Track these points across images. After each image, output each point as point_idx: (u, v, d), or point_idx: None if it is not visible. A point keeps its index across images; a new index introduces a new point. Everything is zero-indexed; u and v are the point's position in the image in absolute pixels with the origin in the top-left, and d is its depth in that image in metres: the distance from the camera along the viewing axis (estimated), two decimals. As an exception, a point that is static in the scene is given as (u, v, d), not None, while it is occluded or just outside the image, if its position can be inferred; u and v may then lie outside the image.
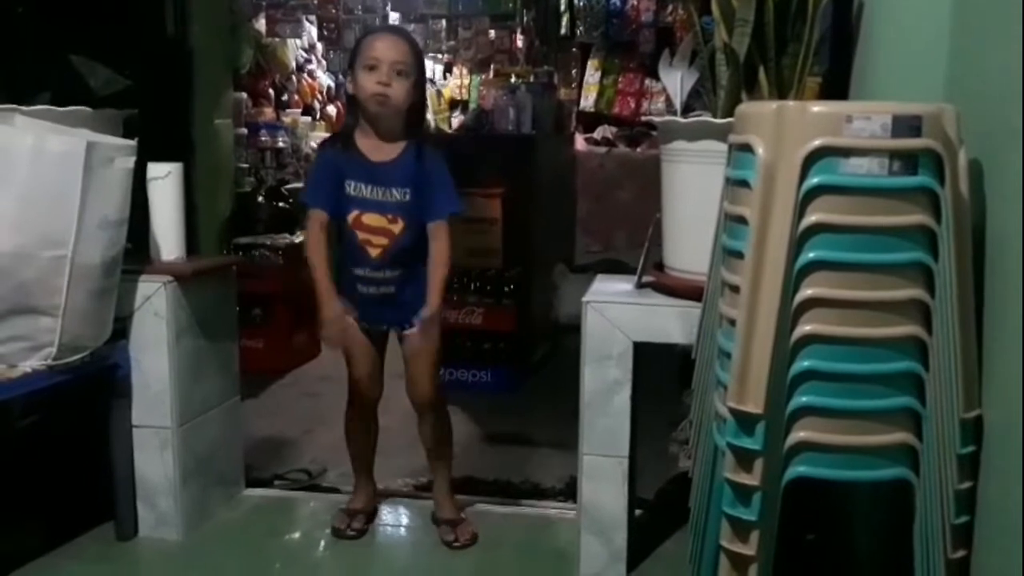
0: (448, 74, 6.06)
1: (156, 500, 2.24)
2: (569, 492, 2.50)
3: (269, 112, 5.05)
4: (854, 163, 1.28)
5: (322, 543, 2.29)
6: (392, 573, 2.25)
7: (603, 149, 4.95)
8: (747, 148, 1.35)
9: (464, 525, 2.28)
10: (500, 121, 3.97)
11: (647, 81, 5.17)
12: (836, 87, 2.06)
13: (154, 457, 2.22)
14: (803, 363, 1.31)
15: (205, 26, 3.21)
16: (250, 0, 4.73)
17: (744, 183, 1.35)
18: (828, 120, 1.29)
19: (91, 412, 2.20)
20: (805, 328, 1.31)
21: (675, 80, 2.07)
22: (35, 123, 1.98)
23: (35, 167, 1.84)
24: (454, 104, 5.74)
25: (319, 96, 5.70)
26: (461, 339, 3.52)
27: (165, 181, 2.23)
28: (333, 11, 5.51)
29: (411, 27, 4.98)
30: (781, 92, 1.79)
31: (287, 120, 5.24)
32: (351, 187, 2.12)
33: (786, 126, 1.30)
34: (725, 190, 1.48)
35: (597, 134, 5.12)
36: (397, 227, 2.12)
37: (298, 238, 3.98)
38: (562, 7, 5.25)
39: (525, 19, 5.28)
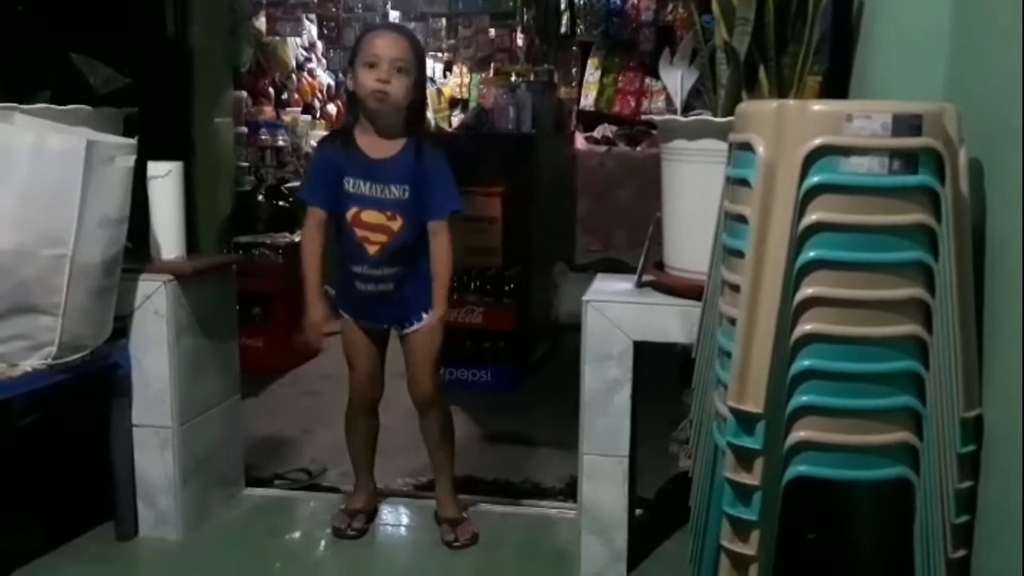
0: (448, 73, 6.06)
1: (156, 500, 2.24)
2: (569, 492, 2.50)
3: (269, 111, 5.04)
4: (854, 162, 1.27)
5: (322, 543, 2.29)
6: (392, 573, 2.25)
7: (603, 148, 4.95)
8: (747, 147, 1.35)
9: (465, 525, 2.28)
10: (500, 120, 3.97)
11: (647, 80, 5.18)
12: (836, 86, 2.06)
13: (154, 456, 2.22)
14: (803, 362, 1.31)
15: (205, 25, 3.21)
16: (250, -1, 4.73)
17: (744, 182, 1.35)
18: (828, 119, 1.28)
19: (91, 411, 2.20)
20: (805, 327, 1.31)
21: (675, 79, 2.07)
22: (35, 121, 1.98)
23: (35, 165, 1.84)
24: (454, 103, 5.74)
25: (319, 95, 5.69)
26: (461, 338, 3.52)
27: (165, 180, 2.23)
28: (333, 10, 5.51)
29: (411, 25, 4.98)
30: (781, 91, 1.79)
31: (287, 119, 5.23)
32: (350, 184, 2.12)
33: (786, 125, 1.30)
34: (725, 189, 1.48)
35: (597, 133, 5.12)
36: (396, 224, 2.12)
37: (298, 237, 3.95)
38: (562, 6, 5.25)
39: (525, 18, 5.28)
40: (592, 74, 5.32)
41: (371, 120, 2.12)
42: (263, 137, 4.92)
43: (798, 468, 1.33)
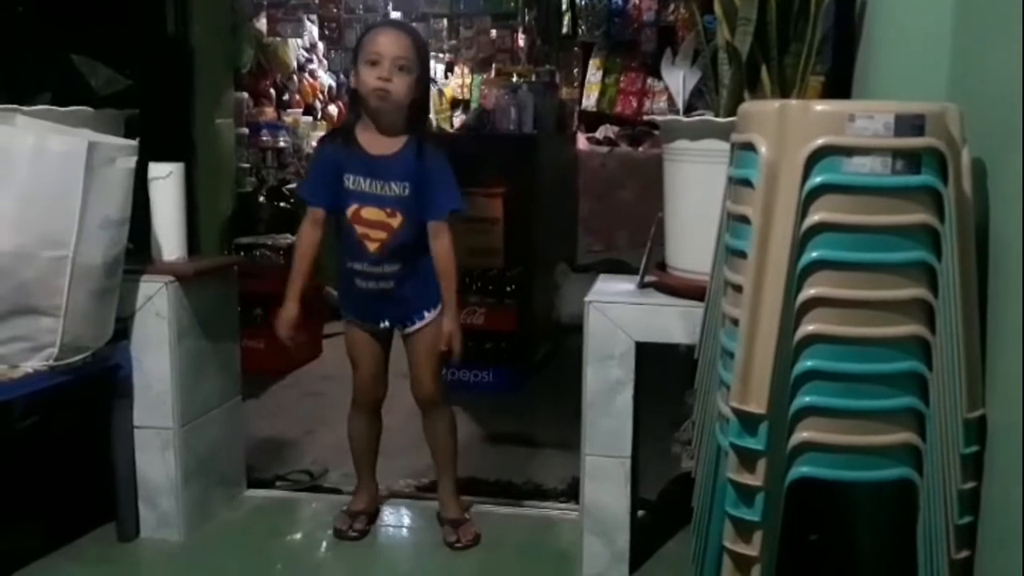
0: (450, 73, 6.06)
1: (157, 501, 2.24)
2: (571, 493, 2.50)
3: (270, 112, 5.05)
4: (857, 162, 1.27)
5: (324, 544, 2.29)
6: (394, 574, 2.25)
7: (605, 148, 4.95)
8: (750, 147, 1.35)
9: (467, 526, 2.27)
10: (502, 120, 3.97)
11: (649, 80, 5.17)
12: (839, 86, 2.06)
13: (155, 458, 2.22)
14: (806, 363, 1.31)
15: (206, 26, 3.21)
16: (251, 0, 4.73)
17: (747, 182, 1.35)
18: (831, 119, 1.28)
19: (92, 413, 2.20)
20: (808, 328, 1.31)
21: (677, 79, 2.07)
22: (36, 123, 1.98)
23: (36, 167, 1.84)
24: (456, 103, 5.74)
25: (320, 96, 5.70)
26: (463, 339, 3.51)
27: (166, 181, 2.22)
28: (334, 10, 5.51)
29: (412, 26, 4.97)
30: (784, 91, 1.79)
31: (288, 120, 5.24)
32: (350, 181, 2.12)
33: (789, 125, 1.30)
34: (727, 189, 1.47)
35: (599, 133, 5.12)
36: (395, 221, 2.12)
37: (300, 238, 3.98)
38: (564, 6, 5.25)
39: (527, 18, 5.28)
40: (594, 74, 5.32)
41: (373, 118, 2.12)
42: (264, 138, 4.93)
43: (801, 469, 1.33)
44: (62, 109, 2.09)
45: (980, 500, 1.33)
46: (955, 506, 1.30)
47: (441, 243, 2.14)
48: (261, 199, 4.49)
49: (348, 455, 2.39)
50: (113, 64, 2.39)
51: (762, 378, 1.31)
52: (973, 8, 1.53)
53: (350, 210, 2.13)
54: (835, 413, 1.31)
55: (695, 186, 1.87)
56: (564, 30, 5.30)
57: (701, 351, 1.62)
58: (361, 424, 2.32)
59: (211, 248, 3.37)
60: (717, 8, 1.82)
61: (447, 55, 5.84)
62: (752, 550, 1.35)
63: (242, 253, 3.84)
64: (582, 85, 5.37)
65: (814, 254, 1.29)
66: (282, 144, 5.08)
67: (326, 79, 5.77)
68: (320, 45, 5.67)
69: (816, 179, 1.28)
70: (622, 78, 5.25)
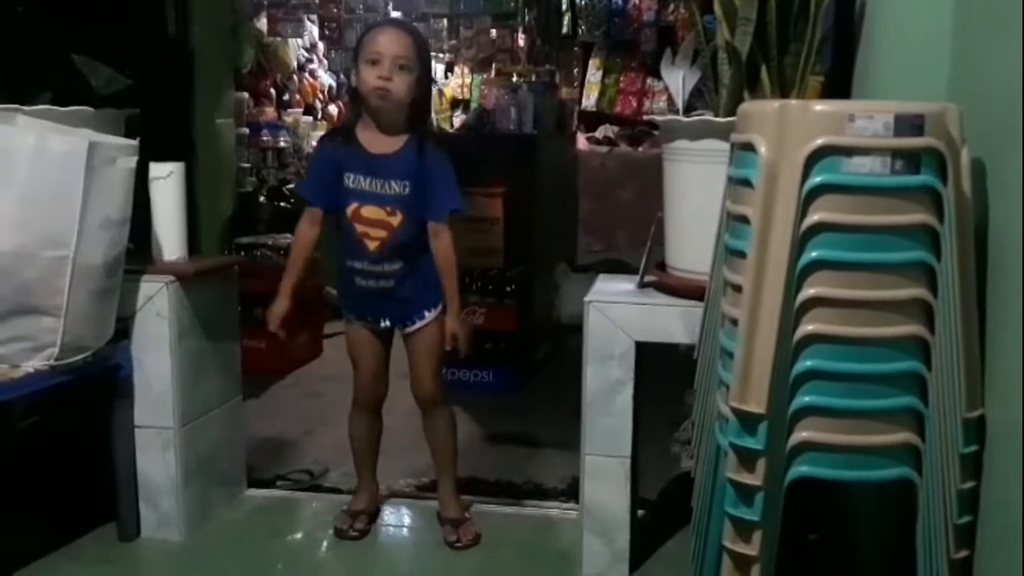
0: (450, 73, 6.06)
1: (158, 500, 2.24)
2: (571, 492, 2.50)
3: (270, 112, 5.05)
4: (856, 162, 1.27)
5: (324, 544, 2.29)
6: (394, 574, 2.25)
7: (605, 148, 4.95)
8: (749, 147, 1.35)
9: (467, 525, 2.28)
10: (502, 120, 3.97)
11: (649, 80, 5.18)
12: (838, 86, 2.06)
13: (156, 457, 2.22)
14: (805, 363, 1.31)
15: (206, 26, 3.21)
16: (251, 0, 4.73)
17: (746, 182, 1.35)
18: (830, 119, 1.28)
19: (93, 412, 2.20)
20: (807, 328, 1.31)
21: (677, 79, 2.07)
22: (37, 123, 1.98)
23: (37, 167, 1.84)
24: (456, 103, 5.74)
25: (320, 96, 5.70)
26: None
27: (167, 181, 2.23)
28: (334, 10, 5.51)
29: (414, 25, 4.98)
30: (783, 91, 1.79)
31: (288, 120, 5.24)
32: (350, 179, 2.12)
33: (788, 125, 1.30)
34: (727, 189, 1.48)
35: (599, 133, 5.12)
36: (395, 220, 2.12)
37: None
38: (564, 6, 5.26)
39: (527, 18, 5.28)
40: (594, 74, 5.32)
41: (373, 117, 2.12)
42: (264, 138, 4.93)
43: (800, 468, 1.33)
44: (63, 109, 2.09)
45: (979, 500, 1.33)
46: (954, 506, 1.30)
47: (442, 242, 2.15)
48: (261, 199, 4.49)
49: (348, 455, 2.39)
50: (113, 64, 2.40)
51: (761, 378, 1.31)
52: (973, 8, 1.53)
53: (350, 209, 2.13)
54: (834, 413, 1.31)
55: (695, 186, 1.87)
56: (564, 30, 5.30)
57: (701, 351, 1.63)
58: (362, 424, 2.32)
59: (211, 248, 3.38)
60: (717, 8, 1.82)
61: (447, 55, 5.84)
62: (752, 550, 1.35)
63: (242, 253, 3.84)
64: (582, 85, 5.37)
65: (813, 254, 1.29)
66: (282, 144, 5.08)
67: (326, 79, 5.77)
68: (320, 45, 5.67)
69: (816, 179, 1.28)
70: (622, 78, 5.25)
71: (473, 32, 5.30)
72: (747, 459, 1.34)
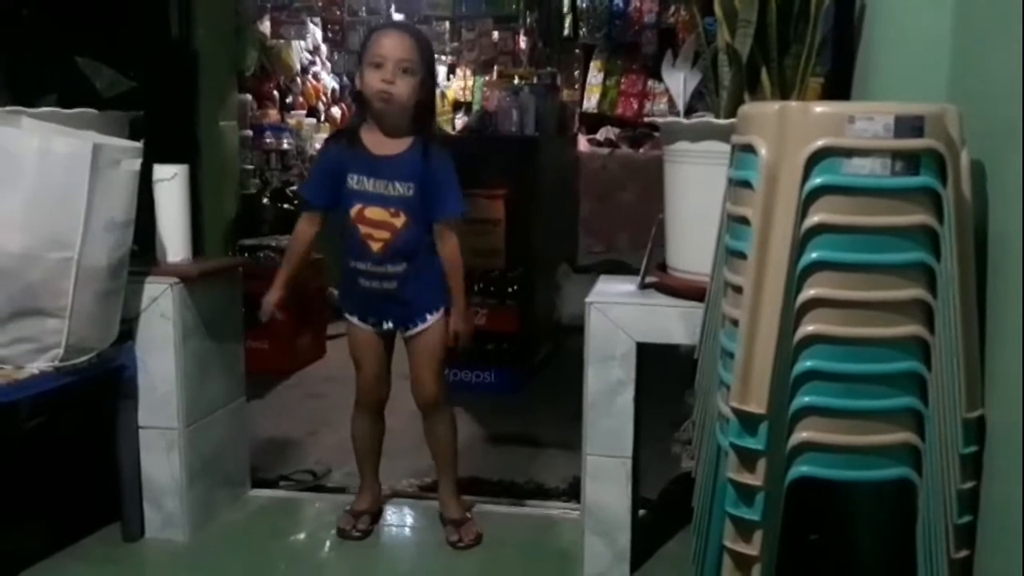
0: (451, 76, 6.07)
1: (162, 501, 2.25)
2: (573, 492, 2.51)
3: (274, 114, 5.06)
4: (856, 163, 1.28)
5: (327, 544, 2.30)
6: (397, 574, 2.26)
7: (606, 150, 4.96)
8: (750, 149, 1.35)
9: (468, 525, 2.28)
10: (503, 122, 3.98)
11: (650, 82, 5.18)
12: (838, 88, 2.06)
13: (160, 458, 2.23)
14: (806, 363, 1.32)
15: (210, 28, 3.22)
16: (255, 2, 4.75)
17: (747, 184, 1.36)
18: (831, 121, 1.29)
19: (97, 413, 2.21)
20: (808, 328, 1.31)
21: (678, 81, 2.08)
22: (41, 125, 1.99)
23: (41, 169, 1.85)
24: (457, 106, 5.75)
25: (324, 98, 5.71)
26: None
27: (171, 183, 2.23)
28: (337, 13, 5.54)
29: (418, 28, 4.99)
30: (784, 93, 1.79)
31: (292, 122, 5.25)
32: (353, 180, 2.13)
33: (789, 127, 1.31)
34: (728, 191, 1.48)
35: (600, 135, 5.13)
36: (399, 221, 2.13)
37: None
38: (565, 8, 5.26)
39: (528, 21, 5.29)
40: (595, 76, 5.33)
41: (377, 120, 2.13)
42: (268, 140, 4.94)
43: (800, 468, 1.34)
44: (67, 111, 2.10)
45: (979, 500, 1.33)
46: (954, 506, 1.30)
47: (449, 244, 2.16)
48: (265, 201, 4.50)
49: (351, 455, 2.39)
50: (117, 66, 2.40)
51: (762, 378, 1.31)
52: (973, 9, 1.54)
53: (353, 210, 2.14)
54: (835, 413, 1.32)
55: (695, 187, 1.88)
56: (565, 32, 5.31)
57: (701, 351, 1.63)
58: (364, 425, 2.33)
59: (215, 250, 3.38)
60: (717, 10, 1.82)
61: (449, 57, 5.85)
62: (752, 550, 1.35)
63: (246, 254, 3.85)
64: (583, 87, 5.37)
65: (814, 255, 1.30)
66: (286, 146, 5.10)
67: (329, 81, 5.78)
68: (323, 47, 5.69)
69: (816, 180, 1.29)
70: (623, 80, 5.25)
71: (475, 34, 5.32)
72: (748, 459, 1.34)
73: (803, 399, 1.32)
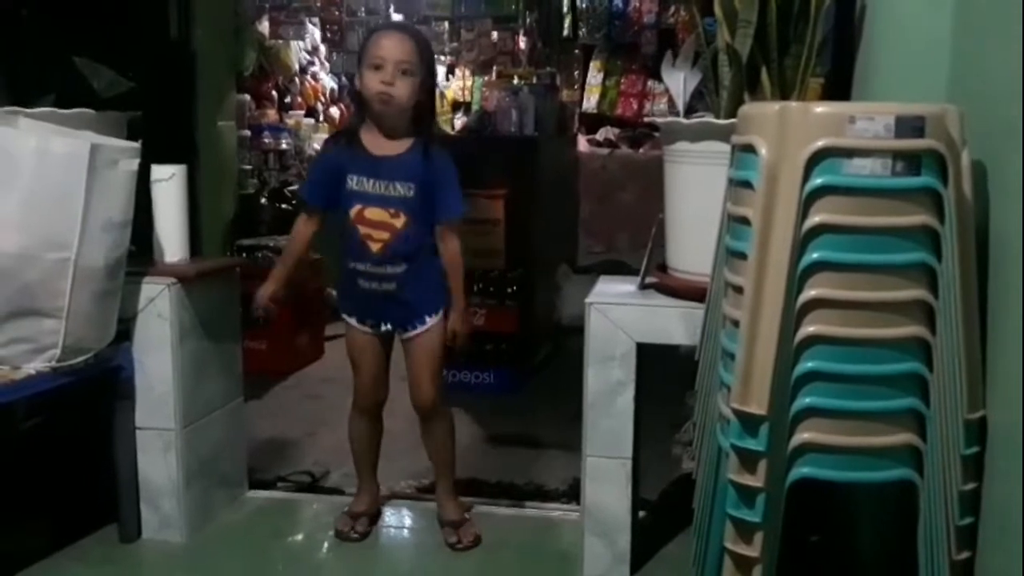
0: (451, 76, 6.07)
1: (159, 502, 2.24)
2: (573, 494, 2.50)
3: (272, 114, 5.06)
4: (857, 164, 1.28)
5: (325, 545, 2.29)
6: (395, 575, 2.25)
7: (606, 150, 4.96)
8: (750, 149, 1.35)
9: (467, 527, 2.28)
10: (503, 123, 3.98)
11: (649, 82, 5.18)
12: (839, 88, 2.06)
13: (157, 459, 2.22)
14: (807, 364, 1.31)
15: (208, 28, 3.22)
16: (253, 2, 4.74)
17: (747, 184, 1.35)
18: (831, 121, 1.29)
19: (94, 414, 2.21)
20: (809, 329, 1.31)
21: (678, 81, 2.07)
22: (39, 125, 1.99)
23: (39, 169, 1.84)
24: (457, 106, 5.75)
25: (322, 98, 5.71)
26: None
27: (169, 183, 2.23)
28: (336, 13, 5.53)
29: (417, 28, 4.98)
30: (784, 93, 1.79)
31: (290, 122, 5.25)
32: (353, 181, 2.13)
33: (789, 127, 1.31)
34: (728, 191, 1.48)
35: (600, 135, 5.13)
36: (399, 222, 2.13)
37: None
38: (565, 9, 5.26)
39: (528, 21, 5.29)
40: (594, 77, 5.33)
41: (376, 121, 2.13)
42: (266, 140, 4.94)
43: (801, 470, 1.33)
44: (65, 111, 2.09)
45: (981, 501, 1.33)
46: (956, 507, 1.30)
47: (450, 244, 2.16)
48: (263, 201, 4.50)
49: (349, 456, 2.39)
50: (116, 66, 2.40)
51: (763, 379, 1.31)
52: (973, 9, 1.54)
53: (353, 211, 2.13)
54: (836, 414, 1.31)
55: (695, 188, 1.87)
56: (565, 32, 5.31)
57: (702, 352, 1.63)
58: (362, 427, 2.32)
59: (213, 250, 3.38)
60: (717, 10, 1.82)
61: (448, 57, 5.85)
62: (753, 551, 1.35)
63: (244, 255, 3.84)
64: (583, 87, 5.37)
65: (814, 255, 1.30)
66: (284, 146, 5.09)
67: (328, 81, 5.78)
68: (322, 47, 5.68)
69: (816, 181, 1.28)
70: (623, 80, 5.26)
71: (474, 34, 5.32)
72: (748, 460, 1.34)
73: (804, 400, 1.32)
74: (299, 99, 5.42)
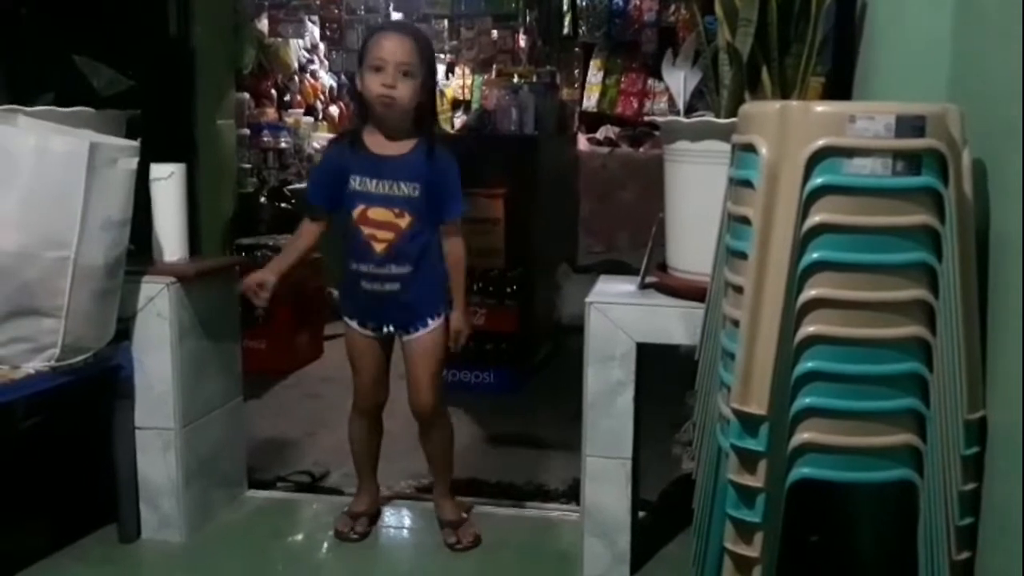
0: (451, 74, 6.06)
1: (159, 502, 2.24)
2: (572, 494, 2.50)
3: (271, 113, 5.05)
4: (858, 163, 1.27)
5: (325, 545, 2.29)
6: (394, 575, 2.25)
7: (606, 149, 4.95)
8: (750, 148, 1.35)
9: (466, 527, 2.27)
10: (503, 121, 3.97)
11: (650, 81, 5.18)
12: (839, 87, 2.06)
13: (157, 458, 2.22)
14: (807, 364, 1.31)
15: (208, 26, 3.21)
16: (252, 0, 4.74)
17: (747, 183, 1.35)
18: (832, 120, 1.28)
19: (94, 413, 2.20)
20: (809, 329, 1.31)
21: (678, 80, 2.07)
22: (38, 124, 1.98)
23: (38, 168, 1.84)
24: (456, 104, 5.75)
25: (321, 96, 5.70)
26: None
27: (168, 182, 2.23)
28: (335, 11, 5.52)
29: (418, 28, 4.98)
30: (784, 92, 1.79)
31: (289, 121, 5.24)
32: (356, 182, 2.12)
33: (789, 126, 1.30)
34: (728, 190, 1.47)
35: (600, 134, 5.12)
36: (404, 222, 2.12)
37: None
38: (564, 7, 5.26)
39: (528, 19, 5.28)
40: (594, 75, 5.33)
41: (378, 123, 2.12)
42: (265, 139, 4.94)
43: (801, 470, 1.33)
44: (64, 110, 2.09)
45: (981, 501, 1.33)
46: (956, 507, 1.30)
47: (454, 243, 2.16)
48: (262, 200, 4.49)
49: (349, 456, 2.38)
50: (115, 65, 2.40)
51: (763, 379, 1.31)
52: (973, 9, 1.53)
53: (356, 211, 2.13)
54: (836, 414, 1.31)
55: (696, 187, 1.87)
56: (565, 31, 5.30)
57: (702, 352, 1.62)
58: (362, 428, 2.31)
59: (212, 249, 3.37)
60: (718, 9, 1.82)
61: (448, 56, 5.84)
62: (753, 551, 1.35)
63: (243, 254, 3.84)
64: (583, 86, 5.37)
65: (815, 255, 1.29)
66: (283, 145, 5.09)
67: (327, 80, 5.78)
68: (321, 46, 5.68)
69: (817, 180, 1.28)
70: (623, 79, 5.25)
71: (474, 33, 5.31)
72: (748, 461, 1.33)
73: (804, 400, 1.32)
74: (298, 97, 5.41)
